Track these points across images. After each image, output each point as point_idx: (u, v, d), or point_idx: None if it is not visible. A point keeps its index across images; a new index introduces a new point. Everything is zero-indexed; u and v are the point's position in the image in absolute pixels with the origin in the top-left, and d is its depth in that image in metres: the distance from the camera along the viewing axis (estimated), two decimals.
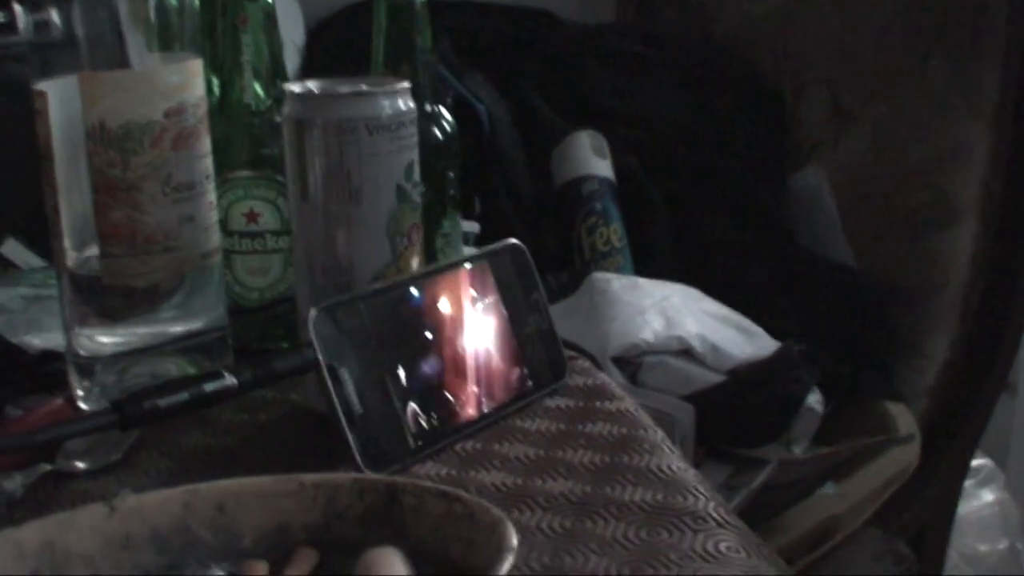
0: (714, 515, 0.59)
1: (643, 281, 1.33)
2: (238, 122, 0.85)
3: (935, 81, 1.55)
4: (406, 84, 0.72)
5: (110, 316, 0.76)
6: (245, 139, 0.85)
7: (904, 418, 1.38)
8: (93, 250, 0.75)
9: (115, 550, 0.51)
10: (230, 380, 0.62)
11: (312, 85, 0.73)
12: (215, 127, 0.80)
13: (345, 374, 0.66)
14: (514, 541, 0.46)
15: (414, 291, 0.71)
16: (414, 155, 0.72)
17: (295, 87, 0.72)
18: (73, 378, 0.77)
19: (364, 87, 0.71)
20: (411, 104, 0.72)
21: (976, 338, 1.50)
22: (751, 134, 1.72)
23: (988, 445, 1.84)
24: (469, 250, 0.92)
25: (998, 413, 1.62)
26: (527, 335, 0.77)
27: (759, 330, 1.29)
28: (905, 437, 1.30)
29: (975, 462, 1.89)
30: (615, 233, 1.50)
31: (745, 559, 0.55)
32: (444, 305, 0.72)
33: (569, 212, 1.53)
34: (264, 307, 0.87)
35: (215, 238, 0.77)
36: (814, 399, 1.24)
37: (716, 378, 1.21)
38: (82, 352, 0.76)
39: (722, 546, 0.56)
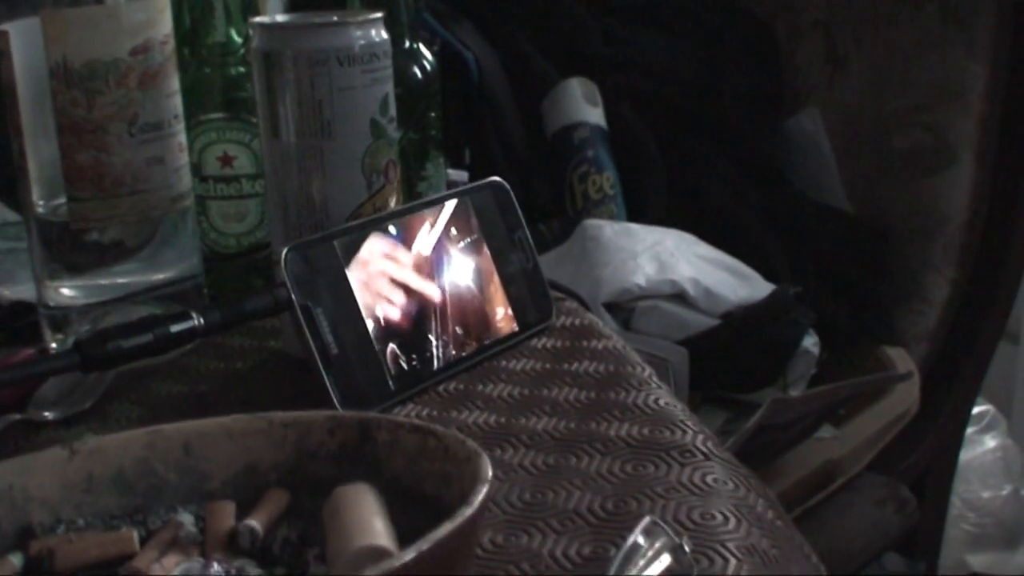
0: (701, 448, 0.57)
1: (636, 226, 1.30)
2: (210, 63, 0.82)
3: (930, 19, 1.53)
4: (379, 14, 0.70)
5: (80, 269, 0.74)
6: (218, 81, 0.82)
7: (903, 361, 1.36)
8: (62, 199, 0.73)
9: (76, 493, 0.49)
10: (196, 320, 0.60)
11: (281, 17, 0.70)
12: (186, 69, 0.78)
13: (320, 314, 0.64)
14: (488, 472, 0.44)
15: (391, 229, 0.69)
16: (389, 88, 0.70)
17: (263, 19, 0.69)
18: (46, 330, 0.75)
19: (335, 17, 0.68)
20: (384, 35, 0.70)
21: (975, 279, 1.48)
22: (746, 79, 1.69)
23: (991, 392, 1.83)
24: None
25: (1001, 360, 1.60)
26: (511, 274, 0.74)
27: (753, 273, 1.27)
28: (902, 374, 1.27)
29: (978, 408, 1.88)
30: (607, 181, 1.47)
31: (732, 490, 0.53)
32: (423, 243, 0.70)
33: (560, 160, 1.50)
34: (242, 254, 0.84)
35: (186, 181, 0.75)
36: (810, 341, 1.22)
37: (710, 322, 1.19)
38: (53, 304, 0.74)
39: (709, 478, 0.54)
